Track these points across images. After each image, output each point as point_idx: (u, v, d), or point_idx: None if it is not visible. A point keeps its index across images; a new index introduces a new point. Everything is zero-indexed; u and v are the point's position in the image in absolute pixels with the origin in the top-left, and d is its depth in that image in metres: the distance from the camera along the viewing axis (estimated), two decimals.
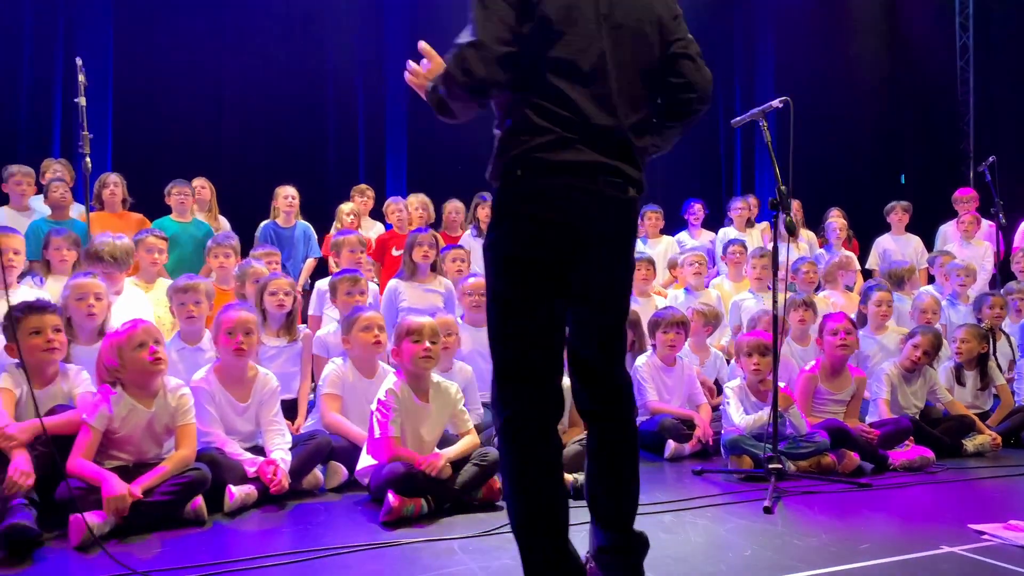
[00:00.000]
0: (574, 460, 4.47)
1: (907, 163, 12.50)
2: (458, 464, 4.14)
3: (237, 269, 6.08)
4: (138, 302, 5.39)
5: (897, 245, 9.04)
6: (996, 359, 6.27)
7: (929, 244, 9.26)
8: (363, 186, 9.02)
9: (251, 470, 4.13)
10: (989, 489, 4.75)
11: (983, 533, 3.68)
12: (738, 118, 4.77)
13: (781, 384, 4.70)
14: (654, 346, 5.72)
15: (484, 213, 8.23)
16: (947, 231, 9.25)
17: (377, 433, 4.11)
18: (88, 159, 5.77)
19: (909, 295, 7.19)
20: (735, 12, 12.28)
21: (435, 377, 4.38)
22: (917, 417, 5.46)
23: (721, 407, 5.30)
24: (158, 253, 6.04)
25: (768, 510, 4.03)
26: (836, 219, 8.88)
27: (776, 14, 12.03)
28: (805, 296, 6.43)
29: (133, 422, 3.88)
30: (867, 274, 8.69)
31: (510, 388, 2.66)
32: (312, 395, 5.33)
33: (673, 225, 9.33)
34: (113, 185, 7.25)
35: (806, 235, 8.96)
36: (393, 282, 6.27)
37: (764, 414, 4.85)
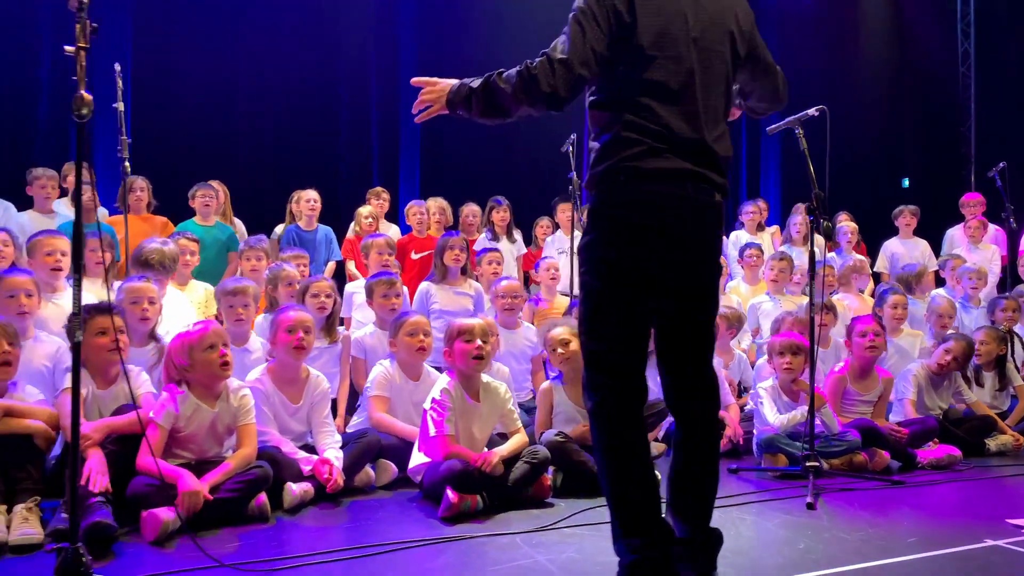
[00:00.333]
0: None
1: (909, 167, 12.69)
2: (509, 462, 4.26)
3: (268, 272, 6.17)
4: (180, 305, 5.48)
5: (905, 249, 9.17)
6: (1014, 360, 6.43)
7: (935, 248, 9.41)
8: (379, 189, 9.12)
9: (306, 468, 4.25)
10: (1018, 486, 4.89)
11: (1022, 528, 3.82)
12: (773, 126, 4.92)
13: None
14: None
15: (499, 217, 8.34)
16: (954, 235, 9.37)
17: (433, 431, 4.23)
18: (127, 163, 5.86)
19: (921, 298, 7.35)
20: None
21: (485, 377, 4.51)
22: (940, 417, 5.61)
23: (754, 407, 5.43)
24: (190, 255, 6.14)
25: (811, 506, 4.17)
26: (846, 223, 9.00)
27: (781, 20, 12.18)
28: (825, 299, 6.56)
29: (197, 421, 3.99)
30: (875, 278, 8.83)
31: (600, 378, 2.87)
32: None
33: None
34: (140, 189, 7.35)
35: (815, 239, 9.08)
36: (424, 285, 6.38)
37: (798, 413, 4.99)
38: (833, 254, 8.86)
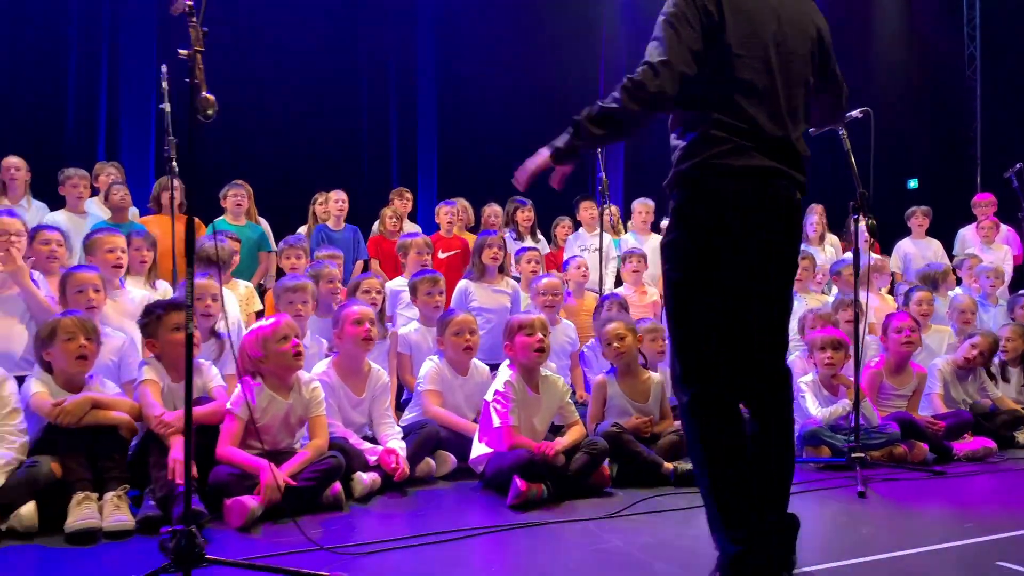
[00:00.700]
0: (671, 450, 4.75)
1: (916, 168, 12.87)
2: (568, 452, 4.38)
3: (309, 270, 6.27)
4: (229, 301, 5.58)
5: (917, 249, 9.31)
6: None
7: (947, 248, 9.54)
8: (402, 189, 9.24)
9: (372, 459, 4.37)
10: None
11: None
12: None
13: (851, 379, 4.97)
14: None
15: (523, 217, 8.48)
16: (966, 235, 9.51)
17: (497, 422, 4.35)
18: (175, 163, 5.93)
19: (943, 296, 7.49)
20: None
21: (543, 370, 4.63)
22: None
23: (796, 400, 5.56)
24: (234, 254, 6.24)
25: (862, 494, 4.31)
26: (861, 222, 9.11)
27: None
28: (852, 297, 6.70)
29: (272, 412, 4.10)
30: None
31: (692, 373, 2.95)
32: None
33: None
34: (173, 188, 7.42)
35: (830, 239, 9.25)
36: (463, 283, 6.50)
37: (839, 407, 5.14)
38: (849, 253, 9.00)
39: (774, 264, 3.02)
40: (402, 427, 4.75)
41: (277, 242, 7.76)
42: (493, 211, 8.83)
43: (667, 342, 5.94)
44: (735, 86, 2.89)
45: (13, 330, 4.58)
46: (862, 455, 4.69)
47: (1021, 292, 7.42)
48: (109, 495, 3.63)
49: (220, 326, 4.86)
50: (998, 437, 5.59)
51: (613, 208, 7.37)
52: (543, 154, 3.02)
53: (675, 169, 2.99)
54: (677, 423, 4.96)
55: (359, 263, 8.16)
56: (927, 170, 12.79)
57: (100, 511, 3.56)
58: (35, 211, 7.46)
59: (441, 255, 8.05)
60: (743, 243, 2.92)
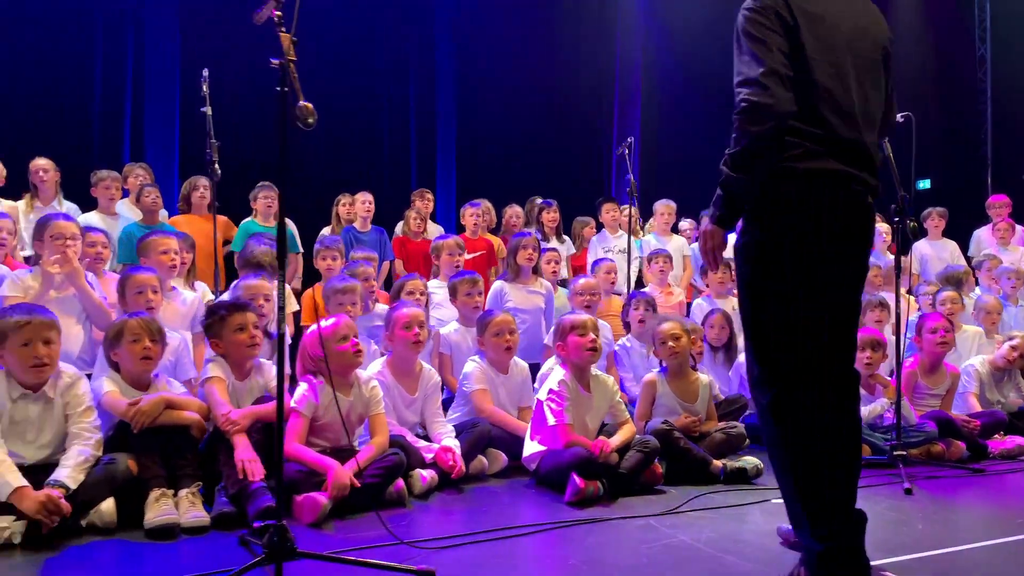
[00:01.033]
0: (719, 447, 4.84)
1: (927, 169, 12.98)
2: (620, 451, 4.47)
3: (346, 270, 6.35)
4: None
5: (934, 250, 9.41)
6: None
7: (962, 249, 9.63)
8: (424, 190, 9.31)
9: (428, 456, 4.45)
10: None
11: None
12: None
13: (890, 378, 5.07)
14: None
15: (549, 218, 8.54)
16: (981, 236, 9.61)
17: (552, 420, 4.44)
18: (217, 165, 6.00)
19: (966, 297, 7.59)
20: None
21: (593, 370, 4.72)
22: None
23: None
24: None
25: (909, 491, 4.40)
26: (880, 224, 9.23)
27: None
28: (880, 298, 6.81)
29: (334, 411, 4.16)
30: None
31: (771, 374, 3.00)
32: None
33: None
34: (203, 188, 7.51)
35: None
36: (498, 284, 6.59)
37: (878, 405, 5.24)
38: (889, 255, 9.07)
39: (846, 266, 3.06)
40: (457, 425, 4.83)
41: (303, 244, 7.88)
42: (515, 212, 8.89)
43: (705, 343, 6.14)
44: (810, 89, 2.92)
45: (71, 330, 4.66)
46: (904, 453, 4.79)
47: None
48: (184, 492, 3.71)
49: (271, 326, 4.94)
50: None
51: (633, 210, 7.46)
52: (707, 227, 3.07)
53: None
54: (722, 423, 5.06)
55: (386, 264, 8.24)
56: (938, 171, 12.91)
57: (176, 507, 3.64)
58: (68, 213, 7.52)
59: (467, 256, 8.13)
60: (814, 246, 2.96)
